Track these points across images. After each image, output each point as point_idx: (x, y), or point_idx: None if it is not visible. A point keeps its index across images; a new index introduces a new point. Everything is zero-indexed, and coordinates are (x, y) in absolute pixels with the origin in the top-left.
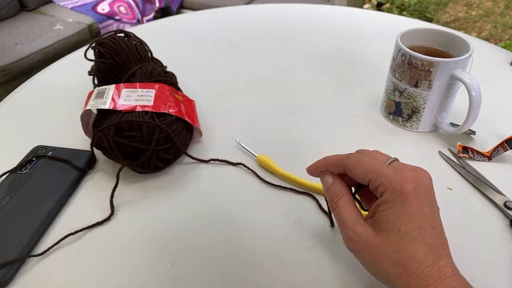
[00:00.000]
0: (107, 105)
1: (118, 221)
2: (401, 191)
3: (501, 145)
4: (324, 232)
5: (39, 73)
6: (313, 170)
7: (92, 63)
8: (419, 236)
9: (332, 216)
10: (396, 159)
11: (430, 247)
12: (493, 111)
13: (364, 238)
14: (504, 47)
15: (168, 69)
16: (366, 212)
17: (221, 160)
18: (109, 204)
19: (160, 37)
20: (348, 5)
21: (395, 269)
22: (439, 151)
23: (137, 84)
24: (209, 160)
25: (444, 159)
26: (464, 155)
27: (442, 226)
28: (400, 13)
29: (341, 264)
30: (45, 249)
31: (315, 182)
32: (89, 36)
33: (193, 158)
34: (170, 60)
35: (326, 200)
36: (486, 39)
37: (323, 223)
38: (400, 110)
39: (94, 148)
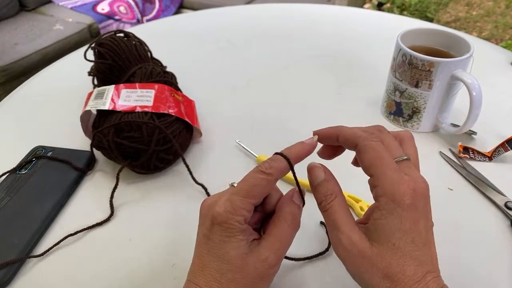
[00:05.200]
0: (106, 105)
1: (118, 221)
2: (400, 203)
3: (502, 145)
4: (324, 232)
5: (39, 73)
6: (321, 137)
7: (92, 63)
8: (411, 251)
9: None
10: (407, 159)
11: (420, 263)
12: (494, 111)
13: (358, 249)
14: (505, 47)
15: (168, 69)
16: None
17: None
18: (108, 205)
19: (160, 37)
20: (349, 5)
21: (383, 282)
22: (440, 151)
23: (137, 84)
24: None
25: (445, 159)
26: (465, 155)
27: (433, 241)
28: (400, 13)
29: (341, 262)
30: (45, 249)
31: None
32: (89, 36)
33: (188, 169)
34: (170, 60)
35: (315, 196)
36: (487, 39)
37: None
38: (400, 110)
39: (94, 149)
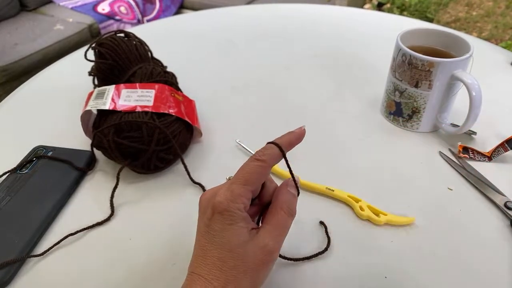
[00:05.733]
0: (107, 105)
1: (118, 221)
2: None
3: (501, 145)
4: (323, 231)
5: (39, 73)
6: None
7: (92, 63)
8: None
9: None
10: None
11: None
12: (494, 111)
13: None
14: (504, 47)
15: (168, 69)
16: None
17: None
18: (109, 204)
19: (160, 37)
20: (349, 5)
21: None
22: (440, 151)
23: (137, 84)
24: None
25: (445, 160)
26: (465, 155)
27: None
28: (400, 13)
29: (340, 261)
30: (45, 249)
31: (316, 183)
32: (89, 36)
33: (186, 168)
34: (170, 60)
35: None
36: (487, 39)
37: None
38: (400, 110)
39: (94, 148)
